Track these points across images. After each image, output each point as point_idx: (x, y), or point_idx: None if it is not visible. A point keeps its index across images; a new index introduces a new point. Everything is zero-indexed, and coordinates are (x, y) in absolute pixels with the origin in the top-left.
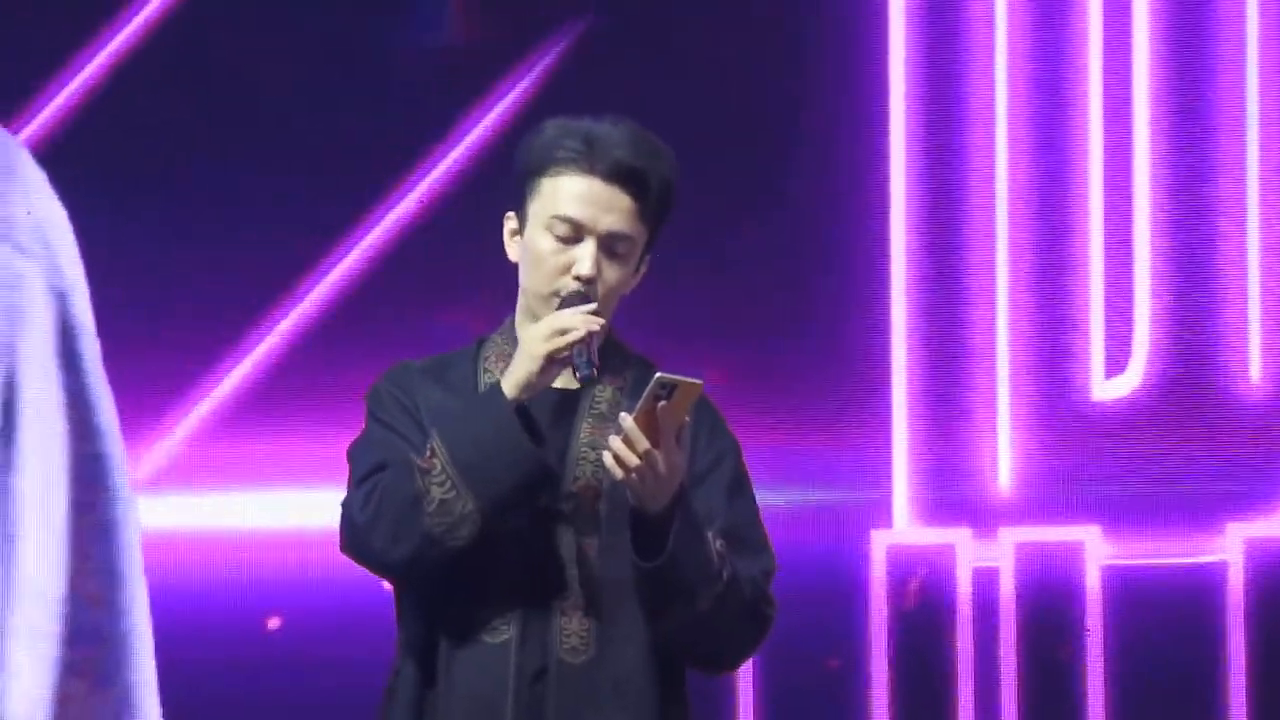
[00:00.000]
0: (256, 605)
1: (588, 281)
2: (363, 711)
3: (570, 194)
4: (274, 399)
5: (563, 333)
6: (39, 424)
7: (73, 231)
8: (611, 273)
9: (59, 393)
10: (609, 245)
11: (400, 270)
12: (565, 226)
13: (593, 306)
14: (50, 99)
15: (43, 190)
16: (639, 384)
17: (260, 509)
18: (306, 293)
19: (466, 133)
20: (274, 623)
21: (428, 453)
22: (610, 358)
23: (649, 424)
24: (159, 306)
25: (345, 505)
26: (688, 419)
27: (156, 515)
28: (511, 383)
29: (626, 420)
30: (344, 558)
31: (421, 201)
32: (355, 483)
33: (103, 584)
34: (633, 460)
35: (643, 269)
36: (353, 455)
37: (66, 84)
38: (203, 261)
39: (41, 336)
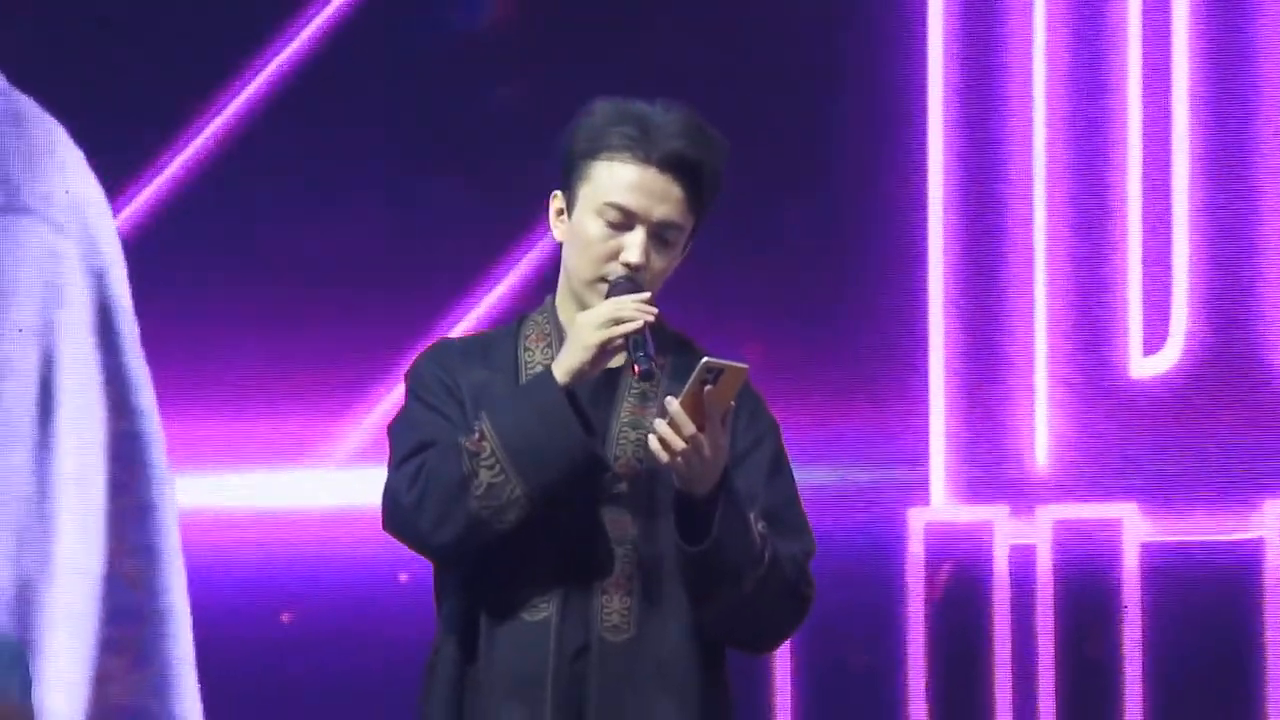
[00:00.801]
0: (292, 585)
1: (636, 269)
2: (403, 690)
3: (624, 182)
4: (312, 379)
5: (616, 322)
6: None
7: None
8: (659, 261)
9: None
10: (659, 234)
11: (433, 248)
12: (617, 214)
13: (646, 296)
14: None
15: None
16: (679, 365)
17: (297, 488)
18: (340, 272)
19: (502, 109)
20: (306, 604)
21: (476, 435)
22: (654, 337)
23: (694, 408)
24: (197, 287)
25: (389, 484)
26: (733, 404)
27: (194, 494)
28: (563, 369)
29: (672, 404)
30: (384, 536)
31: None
32: (398, 461)
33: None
34: (678, 444)
35: (684, 254)
36: (394, 433)
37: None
38: (244, 240)
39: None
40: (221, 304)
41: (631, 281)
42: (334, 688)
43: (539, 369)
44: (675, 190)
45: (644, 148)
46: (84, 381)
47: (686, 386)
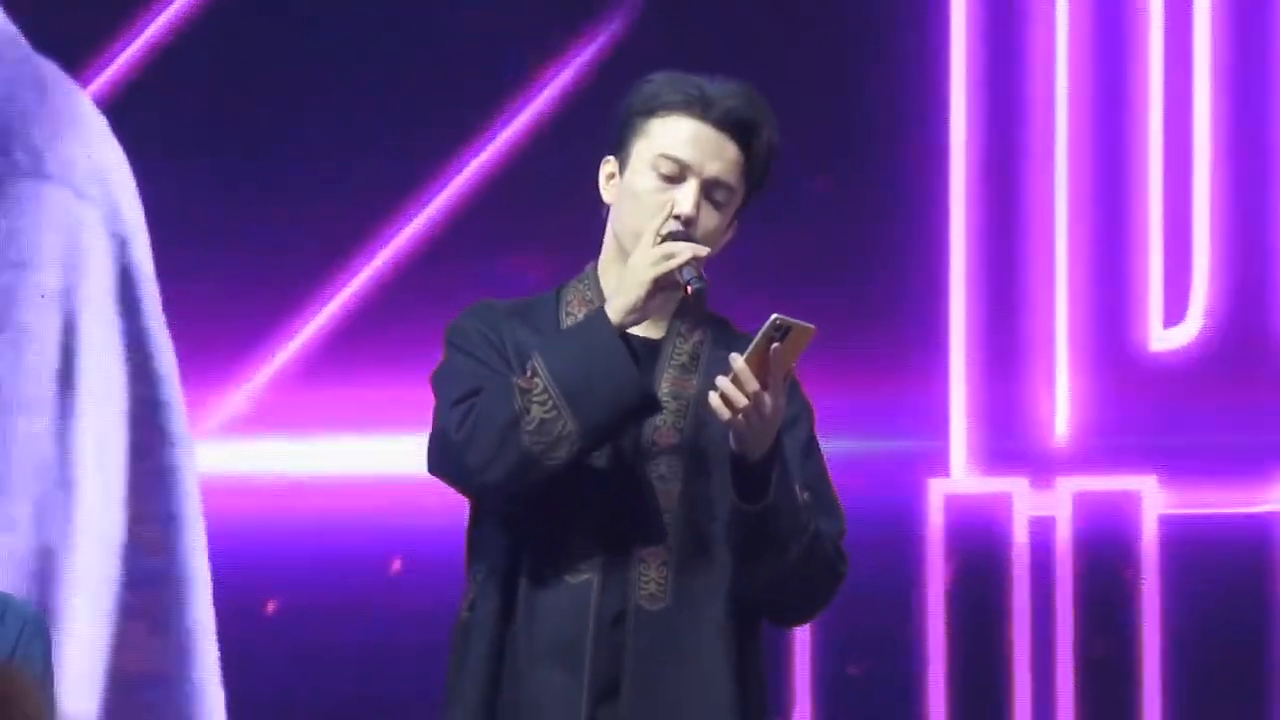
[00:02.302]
0: (315, 551)
1: (687, 222)
2: (418, 656)
3: (680, 135)
4: (344, 345)
5: (669, 257)
6: (98, 369)
7: (134, 177)
8: (709, 219)
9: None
10: (710, 191)
11: (472, 220)
12: (671, 165)
13: (693, 245)
14: (122, 49)
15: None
16: (719, 337)
17: (322, 455)
18: (379, 241)
19: (542, 87)
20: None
21: (529, 372)
22: (690, 311)
23: (759, 365)
24: (230, 253)
25: (438, 425)
26: (793, 366)
27: (216, 460)
28: (617, 307)
29: (737, 360)
30: (413, 504)
31: (494, 157)
32: (448, 405)
33: (160, 529)
34: (741, 401)
35: (729, 233)
36: (440, 381)
37: (139, 33)
38: (276, 210)
39: (101, 281)
40: (243, 270)
41: (684, 235)
42: (354, 656)
43: None
44: (730, 149)
45: (701, 104)
46: (105, 347)
47: (753, 342)
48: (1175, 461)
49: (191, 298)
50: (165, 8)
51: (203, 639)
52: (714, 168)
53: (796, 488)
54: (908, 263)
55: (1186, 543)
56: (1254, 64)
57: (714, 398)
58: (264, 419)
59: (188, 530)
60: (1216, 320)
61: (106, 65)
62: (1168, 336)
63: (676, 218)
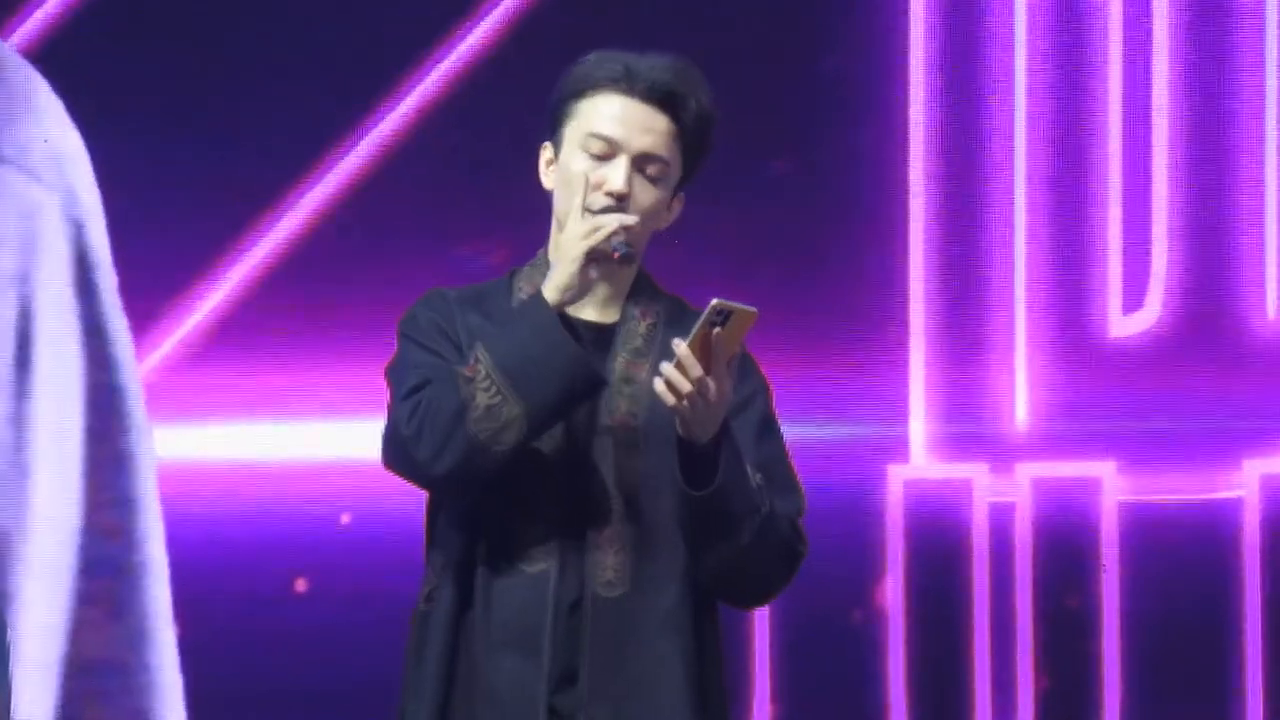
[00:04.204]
0: (272, 537)
1: (619, 198)
2: (382, 642)
3: (606, 113)
4: (289, 328)
5: (597, 230)
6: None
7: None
8: (644, 194)
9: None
10: (642, 165)
11: (404, 196)
12: (600, 144)
13: (626, 216)
14: (41, 4)
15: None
16: (673, 319)
17: (276, 440)
18: (316, 219)
19: (460, 53)
20: (295, 570)
21: (472, 361)
22: (642, 293)
23: (702, 350)
24: (165, 229)
25: (390, 419)
26: (738, 349)
27: (172, 446)
28: (552, 286)
29: (680, 346)
30: (368, 487)
31: (411, 118)
32: (399, 399)
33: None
34: (685, 386)
35: (675, 207)
36: (393, 373)
37: None
38: (224, 190)
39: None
40: (201, 253)
41: (616, 211)
42: (315, 639)
43: None
44: (658, 120)
45: (627, 80)
46: (62, 332)
47: (695, 328)
48: (1135, 448)
49: (141, 280)
50: None
51: (161, 625)
52: (643, 142)
53: (749, 469)
54: (867, 249)
55: (1146, 529)
56: (1213, 49)
57: (658, 383)
58: (221, 403)
59: (145, 515)
60: (1175, 306)
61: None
62: (1127, 323)
63: (609, 194)
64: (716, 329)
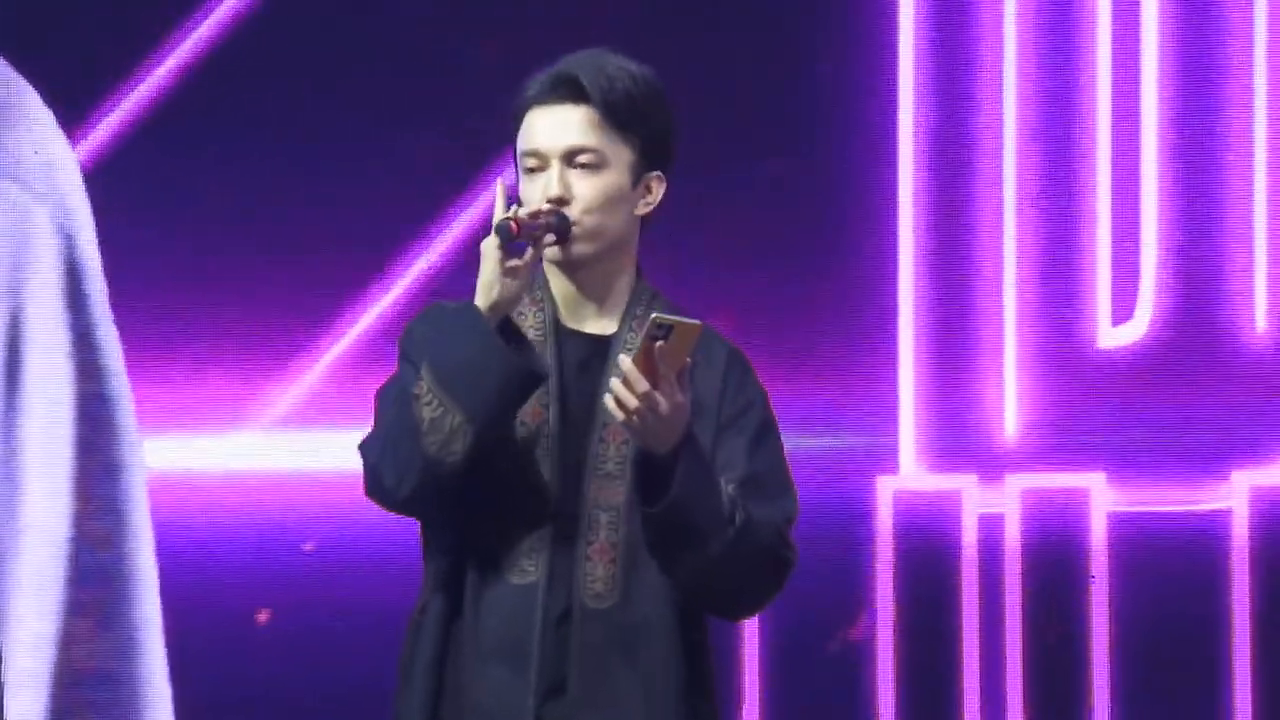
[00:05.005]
0: (265, 548)
1: (558, 201)
2: (377, 648)
3: (529, 129)
4: (282, 341)
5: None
6: (45, 363)
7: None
8: (586, 187)
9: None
10: (572, 161)
11: (396, 209)
12: (532, 159)
13: (550, 208)
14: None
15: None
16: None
17: (269, 451)
18: (307, 232)
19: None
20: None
21: (419, 380)
22: (640, 303)
23: (648, 365)
24: (164, 242)
25: (362, 450)
26: (689, 360)
27: (162, 457)
28: (479, 289)
29: (624, 361)
30: (355, 499)
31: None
32: (374, 429)
33: (108, 525)
34: (631, 402)
35: (654, 189)
36: (379, 398)
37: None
38: (210, 199)
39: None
40: (191, 264)
41: (557, 214)
42: (309, 647)
43: (531, 331)
44: (572, 114)
45: (543, 91)
46: (52, 342)
47: (638, 344)
48: (1124, 458)
49: (137, 293)
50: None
51: (150, 636)
52: (563, 139)
53: (722, 481)
54: (856, 259)
55: (1135, 540)
56: (1202, 60)
57: (607, 399)
58: (214, 415)
59: (135, 526)
60: (1164, 318)
61: None
62: (1116, 334)
63: (549, 201)
64: (659, 343)
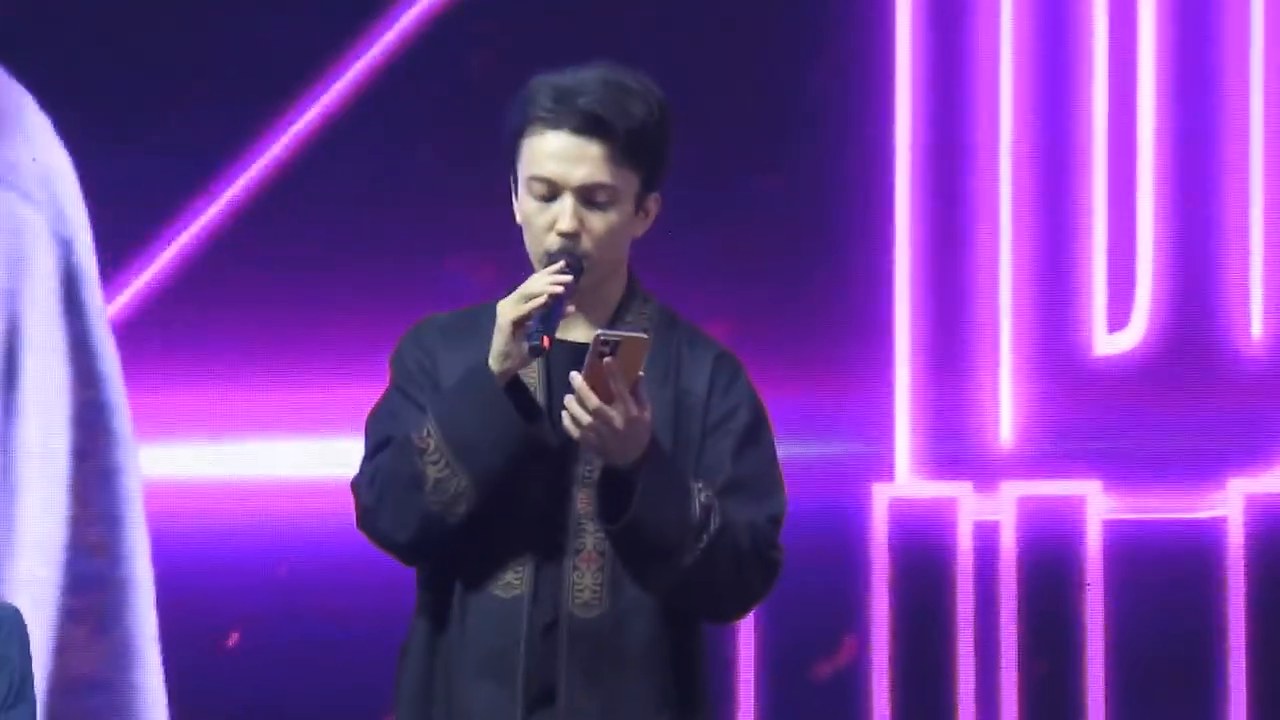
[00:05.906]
0: (261, 554)
1: (571, 236)
2: (375, 663)
3: (542, 152)
4: (283, 347)
5: (528, 299)
6: (42, 370)
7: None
8: (598, 222)
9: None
10: (587, 197)
11: (413, 219)
12: (542, 186)
13: (560, 266)
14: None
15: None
16: (661, 334)
17: (266, 458)
18: (312, 241)
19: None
20: (280, 571)
21: (425, 432)
22: (629, 309)
23: (599, 381)
24: (158, 248)
25: (354, 485)
26: (641, 374)
27: (158, 463)
28: (493, 356)
29: (575, 378)
30: (349, 507)
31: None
32: (365, 458)
33: (103, 531)
34: (584, 418)
35: (651, 210)
36: (369, 425)
37: None
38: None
39: (45, 283)
40: (191, 273)
41: (569, 252)
42: (307, 654)
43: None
44: (593, 149)
45: (557, 115)
46: (49, 349)
47: (586, 360)
48: (1119, 466)
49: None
50: None
51: (146, 643)
52: (581, 174)
53: (695, 488)
54: (852, 266)
55: (1130, 547)
56: (1198, 68)
57: (564, 416)
58: (207, 422)
59: (130, 532)
60: (1160, 325)
61: None
62: (1112, 341)
63: (561, 234)
64: (607, 359)
